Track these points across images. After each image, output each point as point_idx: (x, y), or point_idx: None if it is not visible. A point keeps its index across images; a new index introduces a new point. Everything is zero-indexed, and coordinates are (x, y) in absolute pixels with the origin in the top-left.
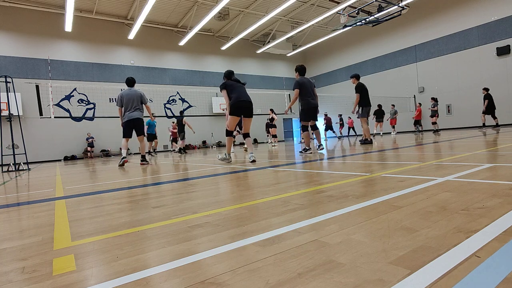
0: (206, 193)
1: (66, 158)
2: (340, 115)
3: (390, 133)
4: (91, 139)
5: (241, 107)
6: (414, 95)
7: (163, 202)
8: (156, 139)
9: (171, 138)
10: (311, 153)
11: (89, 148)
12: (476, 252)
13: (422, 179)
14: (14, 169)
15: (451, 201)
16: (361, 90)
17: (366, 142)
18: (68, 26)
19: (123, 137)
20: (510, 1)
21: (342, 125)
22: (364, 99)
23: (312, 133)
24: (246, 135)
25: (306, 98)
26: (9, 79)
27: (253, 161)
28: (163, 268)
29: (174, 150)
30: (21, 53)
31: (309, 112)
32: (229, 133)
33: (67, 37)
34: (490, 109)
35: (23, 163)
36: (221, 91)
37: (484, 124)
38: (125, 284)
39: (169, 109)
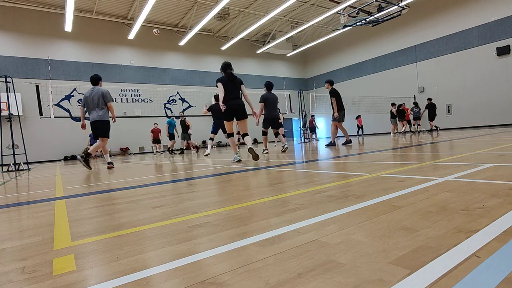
0: (206, 193)
1: (66, 158)
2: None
3: (390, 133)
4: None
5: (233, 110)
6: (414, 95)
7: (163, 202)
8: (174, 139)
9: (152, 139)
10: (267, 153)
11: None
12: (476, 252)
13: (422, 179)
14: (14, 169)
15: (451, 201)
16: (336, 94)
17: (347, 142)
18: (68, 26)
19: (94, 139)
20: (510, 1)
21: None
22: (338, 104)
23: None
24: (244, 135)
25: (268, 110)
26: (9, 79)
27: (239, 160)
28: (163, 268)
29: (155, 151)
30: (21, 53)
31: (268, 122)
32: (229, 135)
33: (67, 37)
34: (432, 116)
35: (23, 163)
36: (216, 85)
37: (431, 128)
38: (125, 284)
39: (169, 109)
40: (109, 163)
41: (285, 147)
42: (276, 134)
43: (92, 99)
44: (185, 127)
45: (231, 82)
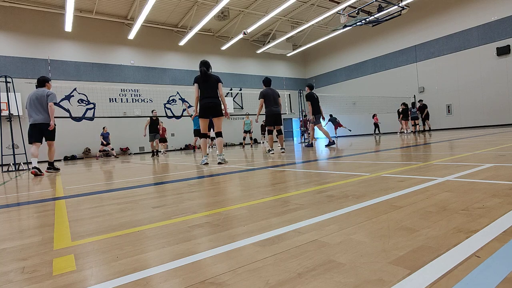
0: (206, 193)
1: (66, 158)
2: (331, 115)
3: (402, 132)
4: (107, 136)
5: (207, 108)
6: (414, 95)
7: (163, 202)
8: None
9: (159, 138)
10: (273, 153)
11: (102, 147)
12: (476, 252)
13: (422, 179)
14: (14, 169)
15: (451, 201)
16: (312, 99)
17: (330, 144)
18: (68, 26)
19: (29, 142)
20: (510, 1)
21: (337, 125)
22: (315, 107)
23: (277, 136)
24: (218, 134)
25: (269, 106)
26: (9, 79)
27: (220, 163)
28: (163, 268)
29: (160, 151)
30: (21, 53)
31: (271, 119)
32: (202, 135)
33: (67, 37)
34: (427, 116)
35: (23, 163)
36: (193, 84)
37: (425, 129)
38: (125, 284)
39: (169, 109)
40: (48, 168)
41: (282, 150)
42: (279, 133)
43: (34, 100)
44: (156, 126)
45: (205, 81)
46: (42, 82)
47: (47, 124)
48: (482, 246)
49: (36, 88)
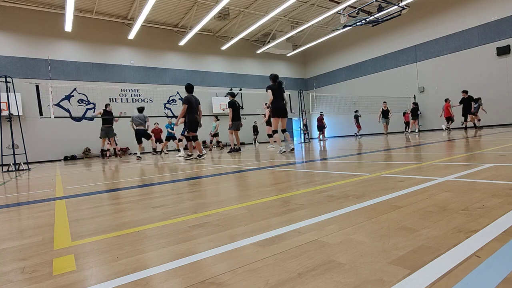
0: (206, 193)
1: (66, 158)
2: (357, 112)
3: (414, 130)
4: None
5: (281, 110)
6: (414, 95)
7: (163, 202)
8: (168, 141)
9: (155, 139)
10: (193, 158)
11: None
12: (476, 252)
13: (422, 179)
14: (14, 169)
15: (451, 201)
16: (233, 106)
17: (234, 150)
18: (68, 26)
19: (137, 143)
20: (510, 1)
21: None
22: (235, 115)
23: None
24: (283, 131)
25: (192, 114)
26: (9, 79)
27: (292, 149)
28: (163, 268)
29: (158, 151)
30: (21, 53)
31: (193, 125)
32: (275, 132)
33: (67, 37)
34: (468, 110)
35: (23, 163)
36: (266, 91)
37: (475, 125)
38: (125, 284)
39: (169, 109)
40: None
41: (202, 157)
42: (194, 139)
43: (139, 119)
44: (111, 119)
45: (278, 89)
46: (141, 110)
47: (143, 130)
48: (482, 246)
49: (138, 112)
